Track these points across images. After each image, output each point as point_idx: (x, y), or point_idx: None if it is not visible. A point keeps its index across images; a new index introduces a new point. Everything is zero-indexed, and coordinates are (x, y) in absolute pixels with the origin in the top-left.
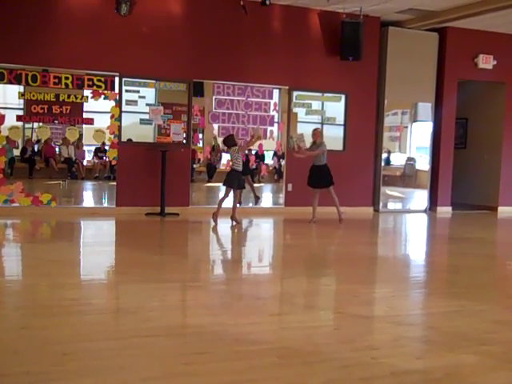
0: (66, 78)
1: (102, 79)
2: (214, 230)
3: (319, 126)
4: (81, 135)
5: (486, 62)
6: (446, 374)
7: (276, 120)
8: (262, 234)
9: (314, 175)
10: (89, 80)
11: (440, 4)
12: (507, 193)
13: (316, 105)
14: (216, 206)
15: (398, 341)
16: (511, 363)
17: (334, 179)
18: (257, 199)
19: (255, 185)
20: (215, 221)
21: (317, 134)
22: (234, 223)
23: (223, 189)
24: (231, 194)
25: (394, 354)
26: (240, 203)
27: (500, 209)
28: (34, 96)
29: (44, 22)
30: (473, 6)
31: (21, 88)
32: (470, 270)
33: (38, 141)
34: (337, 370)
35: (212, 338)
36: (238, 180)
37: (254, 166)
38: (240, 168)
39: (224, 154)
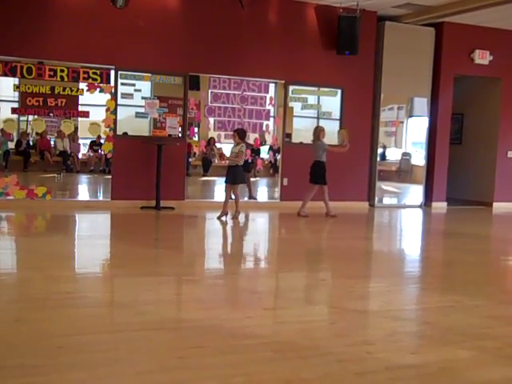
0: (62, 71)
1: (98, 72)
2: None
3: (315, 120)
4: (76, 128)
5: (482, 57)
6: (441, 369)
7: (272, 114)
8: (258, 229)
9: (311, 170)
10: (84, 73)
11: None
12: (502, 188)
13: (312, 99)
14: (210, 200)
15: (393, 335)
16: (505, 358)
17: (328, 177)
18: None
19: (251, 179)
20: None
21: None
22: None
23: (219, 183)
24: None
25: (389, 348)
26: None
27: (495, 204)
28: (29, 88)
29: (39, 14)
30: (469, 1)
31: (16, 80)
32: (465, 266)
33: (37, 133)
34: (332, 364)
35: (207, 332)
36: (242, 174)
37: (249, 161)
38: (242, 162)
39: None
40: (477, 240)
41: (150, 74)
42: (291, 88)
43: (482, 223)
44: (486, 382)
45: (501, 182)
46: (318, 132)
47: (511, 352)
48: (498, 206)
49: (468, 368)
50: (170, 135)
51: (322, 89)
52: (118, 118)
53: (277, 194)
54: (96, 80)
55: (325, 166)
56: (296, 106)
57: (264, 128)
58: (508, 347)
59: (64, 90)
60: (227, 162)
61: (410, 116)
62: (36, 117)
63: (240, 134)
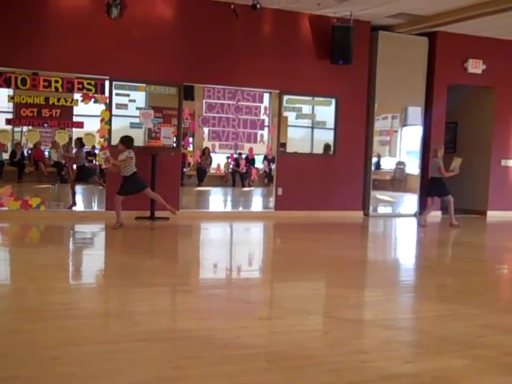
0: (56, 82)
1: (92, 83)
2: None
3: (309, 130)
4: (70, 139)
5: (475, 66)
6: (436, 378)
7: (266, 124)
8: (252, 238)
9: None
10: (79, 83)
11: (430, 9)
12: (496, 197)
13: (306, 109)
14: (204, 210)
15: (388, 345)
16: (501, 367)
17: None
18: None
19: (245, 189)
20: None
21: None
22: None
23: (214, 193)
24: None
25: (384, 357)
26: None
27: (489, 213)
28: (23, 99)
29: (34, 24)
30: (462, 10)
31: (10, 91)
32: (460, 274)
33: (30, 149)
34: (326, 373)
35: (201, 343)
36: (138, 182)
37: (244, 170)
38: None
39: (214, 158)
40: (471, 249)
41: (144, 85)
42: (285, 98)
43: (477, 232)
44: None
45: (495, 190)
46: (437, 150)
47: (506, 360)
48: (492, 215)
49: (463, 377)
50: (164, 145)
51: (316, 98)
52: (113, 128)
53: (271, 204)
54: (90, 90)
55: (442, 179)
56: (290, 116)
57: (259, 138)
58: (503, 356)
59: (58, 100)
60: (111, 169)
61: (404, 125)
62: (30, 127)
63: (124, 143)
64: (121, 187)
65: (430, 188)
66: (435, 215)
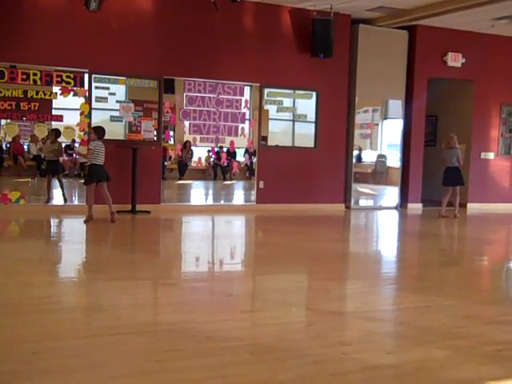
0: (35, 75)
1: (71, 75)
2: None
3: (290, 123)
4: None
5: (454, 59)
6: (417, 369)
7: (247, 117)
8: (234, 232)
9: (446, 175)
10: (58, 76)
11: (409, 2)
12: (476, 189)
13: (287, 102)
14: (186, 204)
15: (369, 336)
16: (479, 356)
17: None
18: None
19: (227, 182)
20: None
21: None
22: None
23: (195, 186)
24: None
25: (365, 349)
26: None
27: (469, 205)
28: (1, 92)
29: (12, 17)
30: (442, 4)
31: None
32: (440, 266)
33: (9, 142)
34: (308, 365)
35: (184, 335)
36: (102, 173)
37: (225, 164)
38: (102, 162)
39: (195, 152)
40: (451, 241)
41: (124, 78)
42: (266, 91)
43: (457, 224)
44: (460, 381)
45: (474, 182)
46: (455, 140)
47: (485, 350)
48: (472, 207)
49: (443, 367)
50: (145, 139)
51: (297, 91)
52: (93, 121)
53: (253, 197)
54: (69, 83)
55: (459, 169)
56: (271, 109)
57: (240, 131)
58: (481, 346)
59: (37, 93)
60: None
61: (385, 118)
62: (9, 121)
63: (97, 132)
64: (90, 175)
65: (453, 176)
66: (416, 207)
